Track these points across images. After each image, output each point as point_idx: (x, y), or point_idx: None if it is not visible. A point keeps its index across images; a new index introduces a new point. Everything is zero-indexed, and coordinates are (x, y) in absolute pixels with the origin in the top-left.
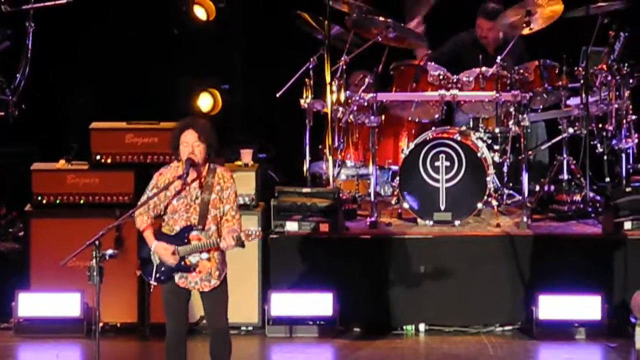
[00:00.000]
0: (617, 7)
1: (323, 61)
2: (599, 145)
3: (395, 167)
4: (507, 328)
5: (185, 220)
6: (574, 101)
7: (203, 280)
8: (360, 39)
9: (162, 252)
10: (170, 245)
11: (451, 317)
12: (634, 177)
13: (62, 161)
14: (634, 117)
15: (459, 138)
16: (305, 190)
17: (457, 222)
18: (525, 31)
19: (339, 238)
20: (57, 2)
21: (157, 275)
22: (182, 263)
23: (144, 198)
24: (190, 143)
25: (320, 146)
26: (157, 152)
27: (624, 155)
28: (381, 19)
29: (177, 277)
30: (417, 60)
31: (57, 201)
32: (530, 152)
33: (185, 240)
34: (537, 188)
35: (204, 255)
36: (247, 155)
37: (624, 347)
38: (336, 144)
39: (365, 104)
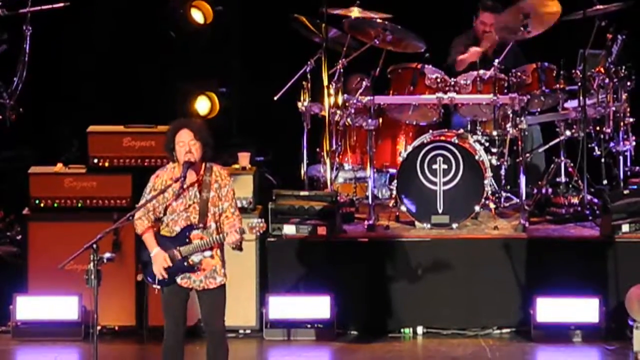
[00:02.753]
0: (614, 10)
1: (320, 64)
2: (596, 147)
3: (393, 170)
4: (504, 331)
5: (185, 220)
6: (571, 104)
7: (208, 278)
8: (357, 42)
9: (159, 261)
10: (168, 254)
11: (449, 319)
12: (631, 180)
13: (59, 165)
14: (631, 119)
15: (456, 141)
16: (302, 193)
17: (454, 225)
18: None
19: (337, 241)
20: (54, 5)
21: (160, 277)
22: (185, 263)
23: (142, 201)
24: (187, 142)
25: (317, 149)
26: (154, 156)
27: (621, 158)
28: (379, 20)
29: (179, 278)
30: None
31: (55, 205)
32: (527, 155)
33: (187, 240)
34: (535, 191)
35: (207, 253)
36: (244, 158)
37: (622, 350)
38: (334, 147)
39: (363, 107)
